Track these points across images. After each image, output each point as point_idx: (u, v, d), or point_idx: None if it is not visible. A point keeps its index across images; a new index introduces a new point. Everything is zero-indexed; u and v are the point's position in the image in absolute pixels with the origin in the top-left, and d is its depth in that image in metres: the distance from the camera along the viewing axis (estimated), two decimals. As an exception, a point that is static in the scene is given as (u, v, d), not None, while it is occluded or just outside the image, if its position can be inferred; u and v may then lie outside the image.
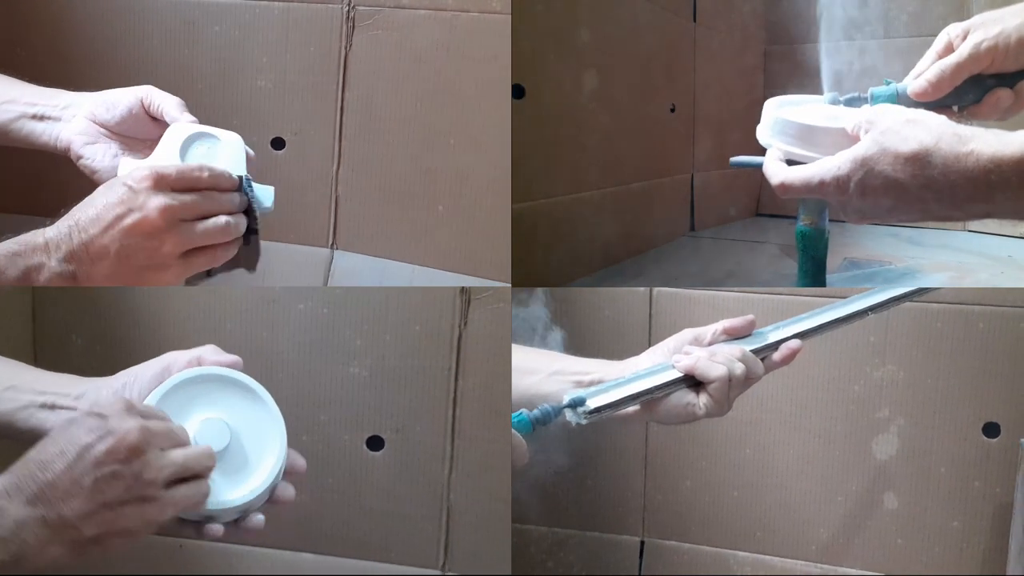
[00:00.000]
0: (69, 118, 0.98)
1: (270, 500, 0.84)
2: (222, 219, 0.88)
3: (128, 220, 0.82)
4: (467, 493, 1.35)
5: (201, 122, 0.96)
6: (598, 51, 1.67)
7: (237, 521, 0.82)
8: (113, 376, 0.85)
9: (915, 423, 1.38)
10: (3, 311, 1.32)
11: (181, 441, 0.78)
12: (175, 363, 0.85)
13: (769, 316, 1.37)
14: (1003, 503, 1.35)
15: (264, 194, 0.94)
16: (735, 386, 0.92)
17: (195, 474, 0.77)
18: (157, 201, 0.83)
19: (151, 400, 0.81)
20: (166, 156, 0.93)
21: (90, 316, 1.35)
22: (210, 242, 0.88)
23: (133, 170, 0.86)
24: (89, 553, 0.72)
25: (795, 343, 0.95)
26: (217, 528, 0.80)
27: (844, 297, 1.00)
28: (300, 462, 0.87)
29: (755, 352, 0.94)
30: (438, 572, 1.37)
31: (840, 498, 1.42)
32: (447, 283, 1.45)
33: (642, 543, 1.51)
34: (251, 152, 0.96)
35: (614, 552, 1.51)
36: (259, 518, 0.82)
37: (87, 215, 0.83)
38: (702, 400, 0.92)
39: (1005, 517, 1.34)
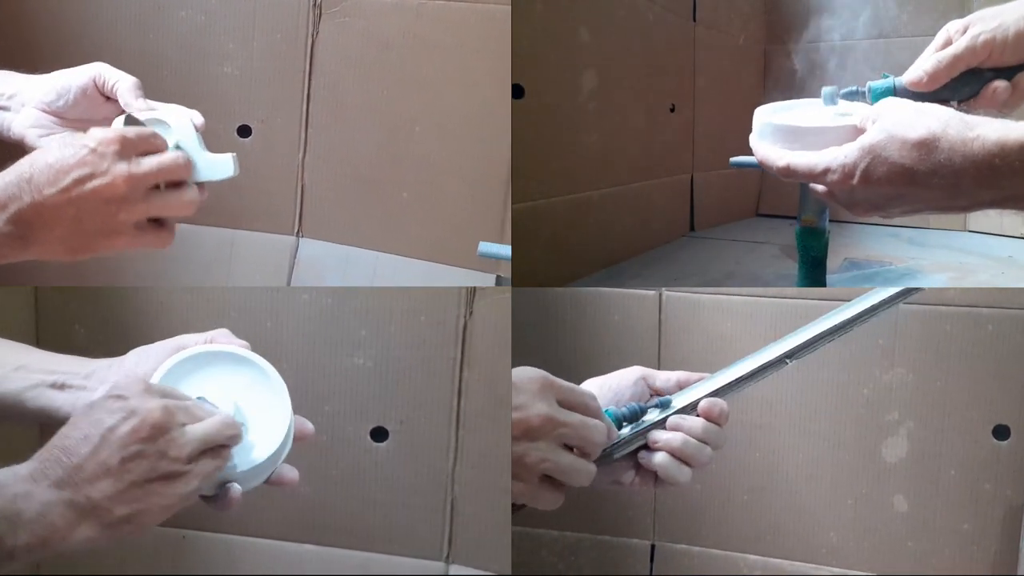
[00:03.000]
0: (17, 107, 0.94)
1: (273, 482, 0.83)
2: (189, 193, 0.86)
3: (90, 184, 0.79)
4: (471, 484, 1.36)
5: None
6: (597, 51, 1.69)
7: (216, 496, 0.81)
8: (124, 356, 0.86)
9: (924, 426, 1.38)
10: (6, 300, 1.33)
11: (201, 416, 0.78)
12: (187, 344, 0.85)
13: (774, 320, 1.39)
14: (1013, 505, 1.35)
15: (222, 163, 0.90)
16: None
17: (218, 445, 0.77)
18: (122, 167, 0.80)
19: (160, 372, 0.82)
20: None
21: (93, 307, 1.36)
22: (168, 213, 0.85)
23: (96, 131, 0.82)
24: (123, 533, 0.72)
25: (705, 403, 0.86)
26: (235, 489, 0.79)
27: (844, 299, 0.95)
28: (308, 427, 0.87)
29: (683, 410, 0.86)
30: (441, 563, 1.37)
31: (850, 501, 1.42)
32: (412, 270, 1.46)
33: (652, 547, 1.51)
34: (198, 121, 0.91)
35: (625, 556, 1.51)
36: (236, 488, 0.79)
37: (43, 174, 0.78)
38: (636, 481, 0.85)
39: (1015, 519, 1.35)
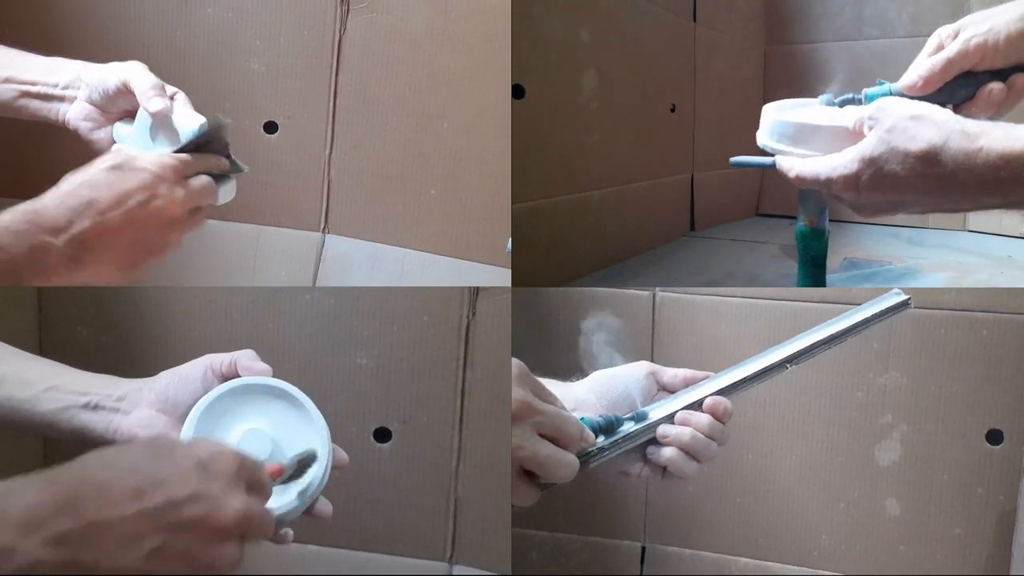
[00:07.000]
0: (71, 98, 1.00)
1: (309, 514, 0.86)
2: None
3: (152, 206, 0.85)
4: (475, 485, 1.38)
5: (193, 104, 1.00)
6: (598, 51, 1.71)
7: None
8: (153, 377, 0.88)
9: (918, 429, 1.40)
10: (9, 301, 1.33)
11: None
12: (215, 363, 0.87)
13: (768, 322, 1.41)
14: (1006, 510, 1.38)
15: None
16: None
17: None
18: (181, 193, 0.88)
19: (196, 411, 0.84)
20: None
21: (96, 308, 1.37)
22: (196, 228, 0.93)
23: (160, 157, 0.89)
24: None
25: (711, 401, 0.89)
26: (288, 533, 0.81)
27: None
28: (343, 456, 0.91)
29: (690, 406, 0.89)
30: (445, 563, 1.39)
31: (842, 504, 1.44)
32: (439, 267, 1.48)
33: (643, 548, 1.52)
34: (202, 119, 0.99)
35: (615, 557, 1.53)
36: (289, 533, 0.82)
37: (104, 197, 0.83)
38: (644, 472, 0.88)
39: (1008, 524, 1.37)
